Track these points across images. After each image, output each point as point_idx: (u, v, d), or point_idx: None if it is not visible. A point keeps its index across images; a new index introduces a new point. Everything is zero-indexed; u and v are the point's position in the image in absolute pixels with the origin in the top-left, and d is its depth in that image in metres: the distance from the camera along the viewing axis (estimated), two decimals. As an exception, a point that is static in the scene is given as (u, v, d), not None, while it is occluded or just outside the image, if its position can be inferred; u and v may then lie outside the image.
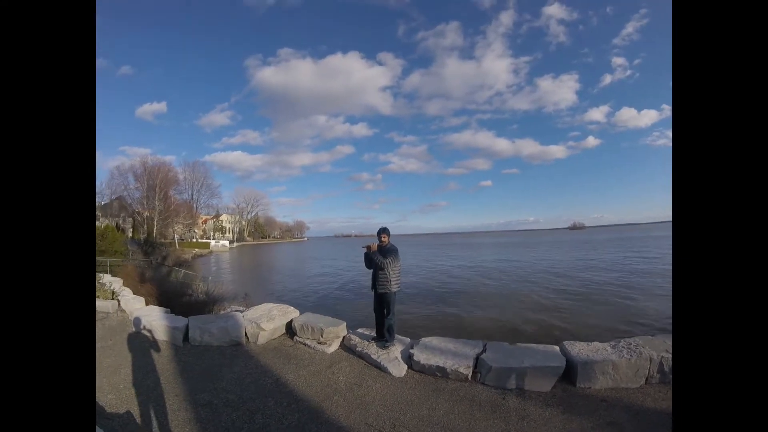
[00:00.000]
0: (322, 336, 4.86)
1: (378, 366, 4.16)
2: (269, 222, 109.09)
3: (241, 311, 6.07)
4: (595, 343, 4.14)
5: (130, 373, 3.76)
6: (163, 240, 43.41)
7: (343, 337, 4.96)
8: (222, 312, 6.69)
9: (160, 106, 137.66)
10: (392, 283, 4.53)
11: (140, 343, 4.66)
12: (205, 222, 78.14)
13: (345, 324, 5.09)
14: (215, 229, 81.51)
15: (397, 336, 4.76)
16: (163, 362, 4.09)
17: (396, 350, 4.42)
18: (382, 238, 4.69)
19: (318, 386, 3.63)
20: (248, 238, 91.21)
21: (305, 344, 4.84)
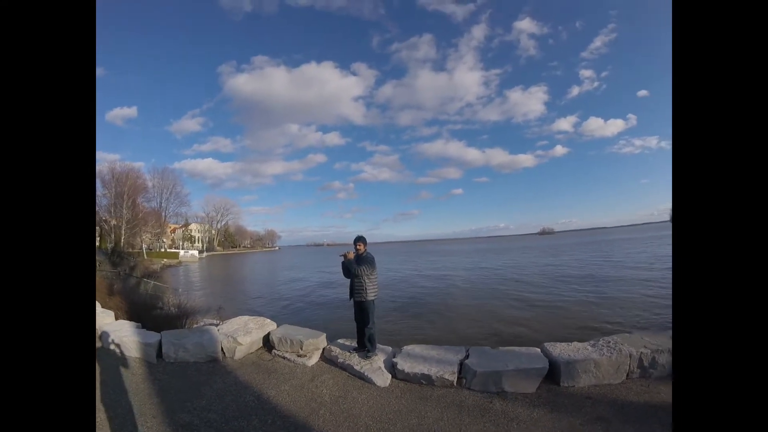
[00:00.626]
0: (301, 348, 4.69)
1: (362, 377, 4.05)
2: (240, 231, 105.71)
3: (216, 325, 5.78)
4: (575, 343, 4.23)
5: (101, 395, 3.45)
6: (130, 250, 40.96)
7: (323, 349, 4.81)
8: (195, 326, 6.36)
9: (131, 111, 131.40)
10: (368, 291, 4.47)
11: (111, 360, 4.31)
12: (173, 231, 74.61)
13: (324, 335, 4.94)
14: (184, 239, 77.91)
15: (378, 345, 4.68)
16: (137, 381, 3.79)
17: (379, 360, 4.33)
18: (358, 247, 4.65)
19: (302, 401, 3.47)
20: (218, 248, 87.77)
21: (284, 357, 4.65)
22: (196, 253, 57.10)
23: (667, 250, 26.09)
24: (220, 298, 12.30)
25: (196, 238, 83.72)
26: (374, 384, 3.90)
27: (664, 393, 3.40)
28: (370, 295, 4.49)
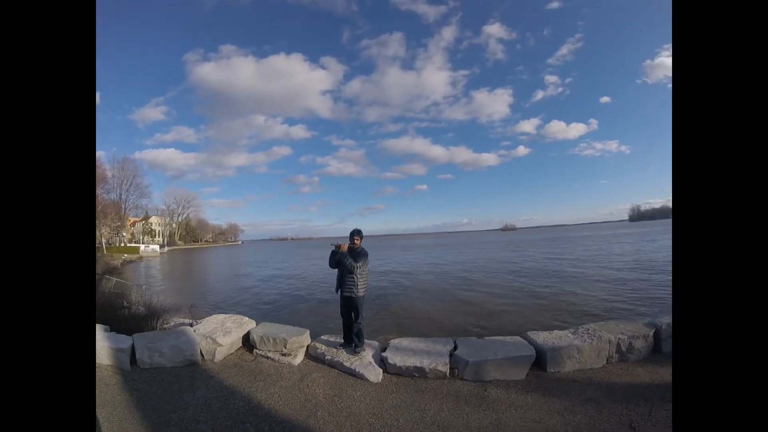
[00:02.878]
0: (285, 347, 4.38)
1: (353, 373, 3.85)
2: (201, 225, 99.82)
3: (190, 325, 5.29)
4: (556, 331, 4.31)
5: None
6: None
7: (308, 346, 4.53)
8: (167, 326, 5.79)
9: None
10: (359, 287, 4.24)
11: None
12: (133, 224, 69.02)
13: (308, 332, 4.65)
14: (144, 233, 72.22)
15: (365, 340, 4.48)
16: (113, 392, 3.30)
17: (368, 355, 4.15)
18: (356, 240, 4.37)
19: (296, 403, 3.21)
20: (179, 242, 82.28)
21: (268, 357, 4.32)
22: (157, 247, 53.08)
23: (623, 247, 27.54)
24: (189, 295, 11.41)
25: (157, 231, 78.00)
26: (367, 380, 3.71)
27: (643, 375, 3.55)
28: (361, 290, 4.26)
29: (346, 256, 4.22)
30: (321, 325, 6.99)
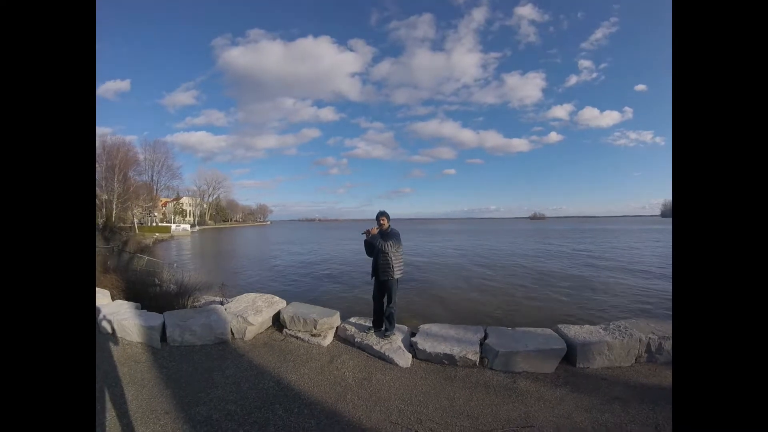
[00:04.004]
0: (315, 327, 4.32)
1: (382, 357, 3.75)
2: (231, 205, 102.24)
3: (221, 303, 5.34)
4: (587, 326, 4.08)
5: (104, 388, 2.95)
6: (122, 224, 38.55)
7: (337, 328, 4.45)
8: (198, 305, 5.87)
9: (124, 84, 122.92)
10: (395, 269, 4.06)
11: (111, 347, 3.78)
12: (164, 205, 71.07)
13: (338, 314, 4.58)
14: (175, 213, 74.35)
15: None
16: (142, 370, 3.29)
17: (397, 339, 4.03)
18: (382, 222, 4.18)
19: (325, 385, 3.13)
20: (209, 222, 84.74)
21: (297, 337, 4.28)
22: (188, 227, 54.66)
23: (658, 244, 25.97)
24: (219, 273, 11.61)
25: (188, 212, 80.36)
26: (396, 365, 3.60)
27: (670, 378, 3.30)
28: (397, 273, 4.08)
29: (377, 239, 4.07)
30: (349, 307, 6.93)
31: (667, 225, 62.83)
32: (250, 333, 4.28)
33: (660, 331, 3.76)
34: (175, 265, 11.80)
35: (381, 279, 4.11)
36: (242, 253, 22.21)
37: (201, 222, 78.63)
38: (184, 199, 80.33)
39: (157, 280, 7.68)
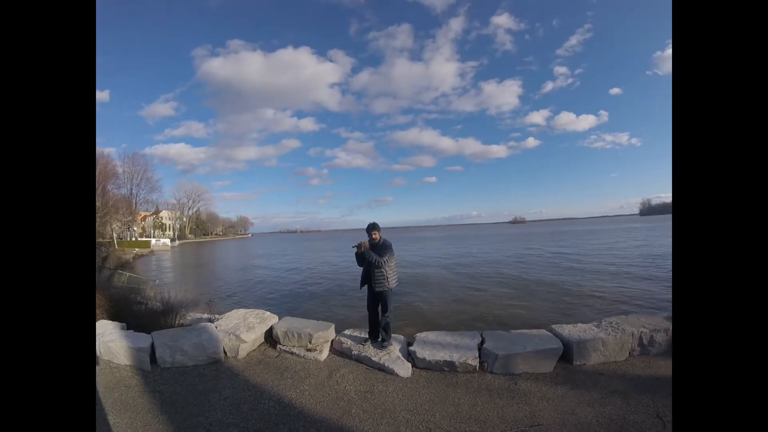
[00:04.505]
0: (310, 342, 4.17)
1: (382, 368, 3.66)
2: (211, 218, 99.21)
3: (210, 320, 5.11)
4: (580, 324, 4.13)
5: (95, 417, 2.70)
6: (101, 239, 36.55)
7: (332, 341, 4.31)
8: (185, 323, 5.59)
9: (103, 95, 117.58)
10: (390, 280, 4.00)
11: (99, 371, 3.53)
12: (144, 219, 68.30)
13: (333, 327, 4.42)
14: (155, 227, 71.45)
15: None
16: (134, 395, 3.06)
17: (395, 349, 3.95)
18: (373, 235, 4.12)
19: (328, 400, 3.02)
20: (190, 236, 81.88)
21: (292, 353, 4.12)
22: (168, 241, 52.64)
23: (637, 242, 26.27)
24: (204, 289, 11.11)
25: (168, 225, 77.41)
26: (397, 375, 3.52)
27: (665, 368, 3.41)
28: (392, 282, 4.03)
29: (370, 253, 3.99)
30: (342, 319, 6.75)
31: (646, 223, 64.94)
32: (244, 351, 4.11)
33: (651, 324, 3.85)
34: (158, 281, 11.30)
35: (376, 290, 4.03)
36: (225, 268, 21.45)
37: (181, 236, 75.92)
38: (164, 213, 77.55)
39: (140, 298, 7.29)
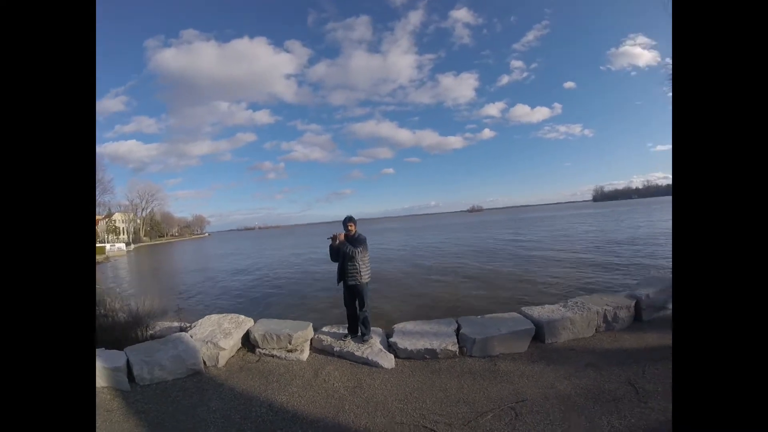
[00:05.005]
0: (290, 343, 4.13)
1: (366, 362, 3.73)
2: (166, 218, 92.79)
3: (181, 329, 4.88)
4: (547, 305, 4.44)
5: None
6: None
7: (312, 340, 4.30)
8: (155, 333, 5.27)
9: None
10: (363, 274, 4.05)
11: None
12: (97, 223, 63.47)
13: (311, 325, 4.40)
14: (108, 231, 66.01)
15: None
16: (119, 420, 2.84)
17: (376, 342, 4.03)
18: (349, 227, 4.15)
19: (319, 400, 3.04)
20: (145, 238, 76.30)
21: (273, 356, 4.06)
22: (123, 246, 48.47)
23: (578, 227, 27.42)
24: (168, 295, 10.51)
25: (121, 229, 71.80)
26: (382, 367, 3.61)
27: (630, 341, 3.77)
28: (365, 277, 4.07)
29: (345, 244, 4.01)
30: (318, 316, 6.68)
31: (599, 209, 68.58)
32: (223, 358, 3.99)
33: (613, 302, 4.24)
34: (118, 289, 10.51)
35: (349, 284, 4.08)
36: (186, 271, 20.22)
37: (136, 239, 70.49)
38: (117, 216, 71.46)
39: (104, 311, 6.76)
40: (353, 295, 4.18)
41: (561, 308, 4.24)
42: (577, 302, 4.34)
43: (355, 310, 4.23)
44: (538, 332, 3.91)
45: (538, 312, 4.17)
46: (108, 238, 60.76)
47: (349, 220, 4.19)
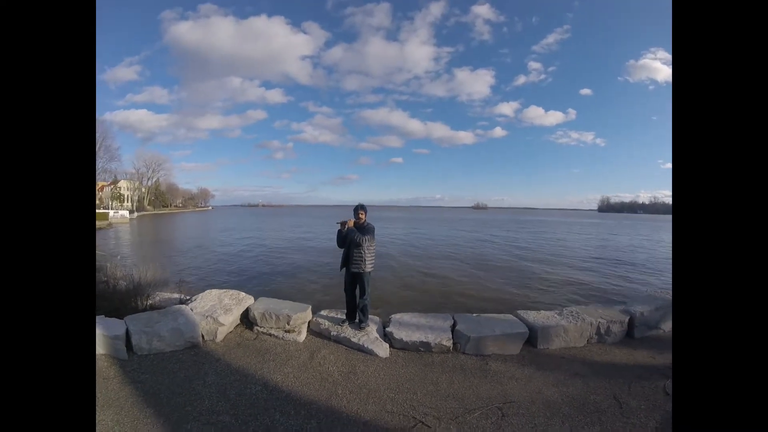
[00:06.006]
0: (288, 323, 4.16)
1: (361, 349, 3.77)
2: (171, 189, 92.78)
3: (181, 302, 4.92)
4: (543, 311, 4.45)
5: None
6: None
7: (309, 322, 4.34)
8: (154, 304, 5.32)
9: None
10: (367, 262, 4.06)
11: None
12: (101, 189, 62.76)
13: (310, 308, 4.42)
14: (113, 197, 65.85)
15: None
16: (115, 388, 2.86)
17: (372, 330, 4.07)
18: (360, 215, 4.15)
19: (313, 382, 3.08)
20: (148, 207, 76.32)
21: (270, 335, 4.10)
22: (126, 213, 48.43)
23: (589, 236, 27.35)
24: (170, 266, 10.52)
25: (126, 196, 71.92)
26: (376, 355, 3.65)
27: (620, 355, 3.77)
28: (369, 266, 4.08)
29: (353, 231, 4.01)
30: (316, 299, 6.73)
31: (603, 219, 67.86)
32: (221, 334, 4.03)
33: (607, 316, 4.23)
34: (119, 257, 10.57)
35: (353, 271, 4.09)
36: (189, 243, 20.29)
37: (140, 207, 70.65)
38: (122, 183, 71.76)
39: (105, 277, 6.82)
40: (355, 282, 4.20)
41: (556, 315, 4.25)
42: (572, 311, 4.35)
43: (355, 297, 4.25)
44: (532, 337, 3.93)
45: (534, 317, 4.19)
46: (112, 204, 60.99)
47: (360, 208, 4.19)
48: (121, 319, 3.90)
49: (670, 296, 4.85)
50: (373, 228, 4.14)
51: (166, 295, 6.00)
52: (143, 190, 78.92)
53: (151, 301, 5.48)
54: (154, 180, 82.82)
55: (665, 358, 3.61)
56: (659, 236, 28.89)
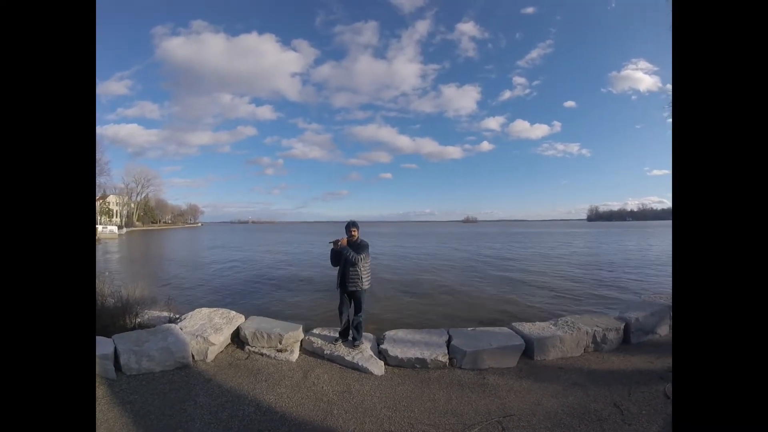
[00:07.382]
0: (280, 342, 4.08)
1: (356, 367, 3.70)
2: (160, 205, 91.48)
3: (170, 320, 4.80)
4: (538, 322, 4.45)
5: None
6: None
7: (302, 341, 4.25)
8: (143, 322, 5.17)
9: None
10: (364, 280, 4.02)
11: None
12: None
13: (302, 327, 4.34)
14: (101, 212, 64.92)
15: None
16: (104, 410, 2.75)
17: (366, 348, 4.00)
18: (352, 232, 4.12)
19: (308, 403, 2.99)
20: (137, 223, 75.12)
21: (262, 354, 4.00)
22: (115, 228, 47.43)
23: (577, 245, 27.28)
24: (159, 283, 10.29)
25: (115, 211, 70.87)
26: (371, 373, 3.58)
27: (617, 363, 3.78)
28: (365, 284, 4.04)
29: (347, 249, 3.97)
30: (309, 318, 6.60)
31: (592, 228, 68.56)
32: (212, 353, 3.92)
33: (603, 324, 4.26)
34: (107, 273, 10.28)
35: (350, 289, 4.03)
36: (178, 260, 19.77)
37: (128, 223, 69.45)
38: (111, 198, 70.66)
39: (90, 296, 6.58)
40: (350, 300, 4.15)
41: (551, 326, 4.25)
42: (567, 321, 4.36)
43: (349, 315, 4.19)
44: (528, 348, 3.92)
45: (529, 328, 4.18)
46: (101, 219, 59.85)
47: (352, 225, 4.15)
48: (109, 337, 3.77)
49: (664, 301, 4.92)
50: (367, 244, 4.12)
51: (155, 313, 5.84)
52: (132, 205, 77.80)
53: (139, 320, 5.33)
54: (143, 195, 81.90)
55: (663, 362, 3.62)
56: (648, 242, 29.46)
